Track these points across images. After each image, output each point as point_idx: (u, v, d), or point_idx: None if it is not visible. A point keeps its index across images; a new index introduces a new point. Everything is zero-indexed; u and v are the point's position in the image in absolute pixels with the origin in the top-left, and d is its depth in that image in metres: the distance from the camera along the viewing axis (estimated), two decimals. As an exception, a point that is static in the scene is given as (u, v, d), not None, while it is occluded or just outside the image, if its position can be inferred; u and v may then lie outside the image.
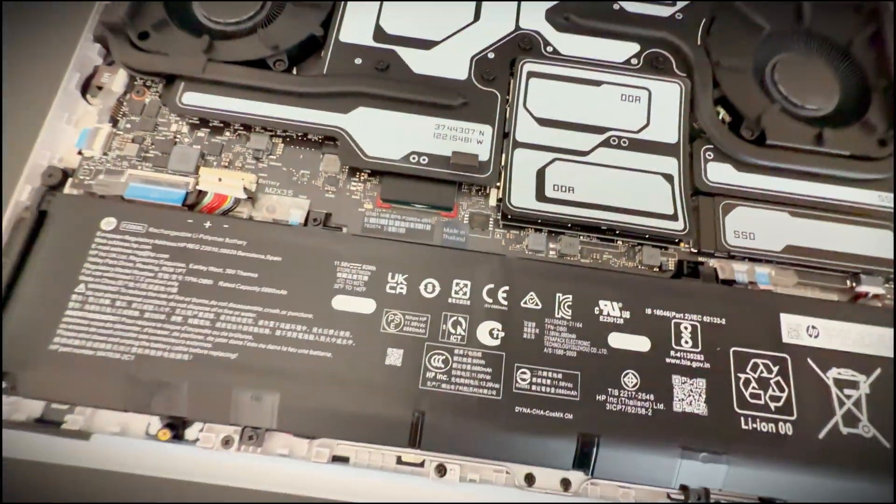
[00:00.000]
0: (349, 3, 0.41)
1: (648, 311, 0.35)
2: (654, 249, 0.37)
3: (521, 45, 0.41)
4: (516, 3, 0.43)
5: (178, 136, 0.38)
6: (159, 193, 0.36)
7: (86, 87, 0.40)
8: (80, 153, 0.38)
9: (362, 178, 0.38)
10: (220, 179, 0.35)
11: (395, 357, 0.33)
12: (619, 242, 0.38)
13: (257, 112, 0.37)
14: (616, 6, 0.43)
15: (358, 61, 0.40)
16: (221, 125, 0.39)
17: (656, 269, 0.37)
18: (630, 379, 0.33)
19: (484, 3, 0.42)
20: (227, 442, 0.32)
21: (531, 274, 0.35)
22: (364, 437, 0.32)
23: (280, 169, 0.38)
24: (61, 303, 0.32)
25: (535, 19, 0.42)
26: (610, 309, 0.35)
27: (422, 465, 0.33)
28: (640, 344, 0.34)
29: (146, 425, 0.32)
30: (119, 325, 0.32)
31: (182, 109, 0.37)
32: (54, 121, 0.38)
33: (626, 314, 0.35)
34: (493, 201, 0.38)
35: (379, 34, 0.41)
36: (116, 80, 0.39)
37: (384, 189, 0.37)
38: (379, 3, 0.42)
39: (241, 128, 0.39)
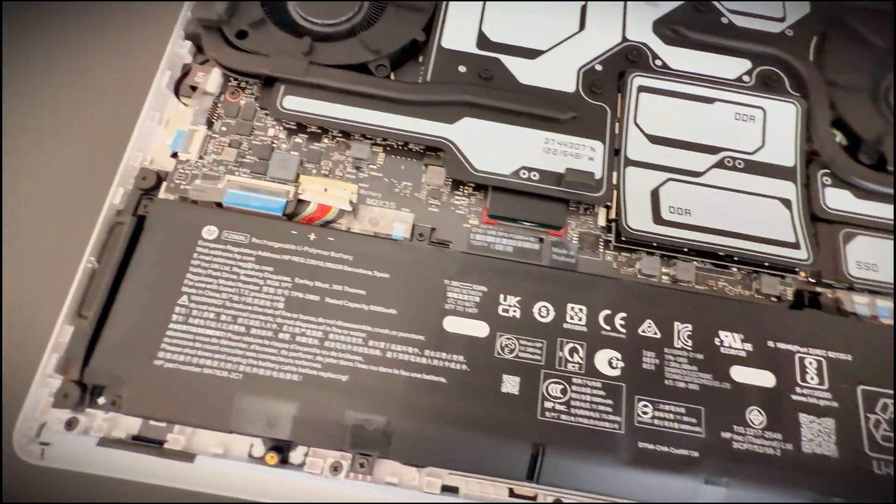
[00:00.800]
0: (450, 7, 0.40)
1: (771, 343, 0.34)
2: (772, 278, 0.36)
3: (629, 58, 0.40)
4: (622, 13, 0.42)
5: (276, 141, 0.38)
6: (259, 202, 0.35)
7: (177, 87, 0.39)
8: (174, 156, 0.36)
9: (466, 191, 0.37)
10: (325, 189, 0.34)
11: (511, 385, 0.32)
12: (735, 269, 0.36)
13: (359, 119, 0.36)
14: (724, 20, 0.42)
15: (462, 69, 0.38)
16: (319, 131, 0.37)
17: (774, 299, 0.36)
18: (756, 416, 0.32)
19: (589, 12, 0.41)
20: (335, 468, 0.31)
21: (648, 300, 0.34)
22: (480, 469, 0.31)
23: (381, 179, 0.36)
24: (165, 315, 0.31)
25: (642, 31, 0.41)
26: (731, 340, 0.34)
27: (535, 498, 0.32)
28: (765, 379, 0.33)
29: (248, 447, 0.31)
30: (225, 341, 0.31)
31: (283, 114, 0.36)
32: (146, 121, 0.37)
33: (748, 346, 0.34)
34: (601, 221, 0.37)
35: (482, 41, 0.39)
36: (211, 81, 0.37)
37: (492, 205, 0.36)
38: (481, 8, 0.41)
39: (340, 134, 0.37)
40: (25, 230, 0.41)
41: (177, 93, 0.38)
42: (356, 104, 0.36)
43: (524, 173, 0.36)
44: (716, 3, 0.42)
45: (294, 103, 0.36)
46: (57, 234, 0.39)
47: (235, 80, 0.38)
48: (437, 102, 0.36)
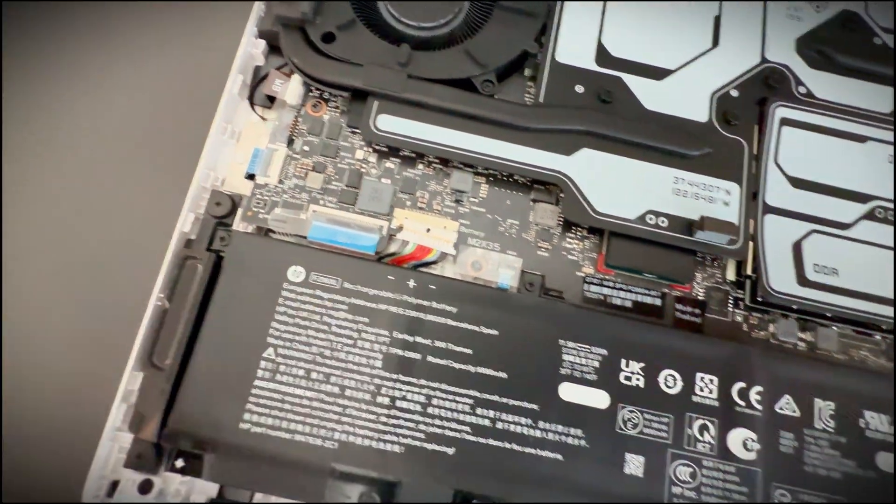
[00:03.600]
0: (566, 14, 0.36)
1: (922, 428, 0.32)
2: (922, 350, 0.34)
3: (769, 83, 0.36)
4: (761, 26, 0.38)
5: (364, 165, 0.34)
6: (348, 237, 0.32)
7: (251, 94, 0.35)
8: (250, 177, 0.33)
9: (580, 233, 0.34)
10: (428, 230, 0.31)
11: (635, 465, 0.30)
12: (879, 337, 0.34)
13: (463, 145, 0.32)
14: (878, 40, 0.38)
15: (579, 89, 0.34)
16: (413, 156, 0.34)
17: (921, 374, 0.34)
18: (904, 511, 0.30)
19: (723, 24, 0.37)
20: (436, 548, 0.29)
21: (785, 372, 0.31)
22: (598, 558, 0.29)
23: (484, 216, 0.33)
24: (249, 371, 0.28)
25: (783, 50, 0.36)
26: (878, 423, 0.31)
27: (651, 588, 0.30)
28: (914, 468, 0.31)
29: (340, 519, 0.30)
30: (318, 404, 0.28)
31: (377, 136, 0.32)
32: (217, 134, 0.33)
33: (896, 430, 0.32)
34: (730, 274, 0.34)
35: (602, 57, 0.35)
36: (290, 90, 0.34)
37: (612, 253, 0.33)
38: (601, 16, 0.36)
39: (437, 160, 0.34)
40: (80, 252, 0.37)
41: (251, 101, 0.35)
42: (459, 127, 0.33)
43: (651, 218, 0.33)
44: (867, 16, 0.39)
45: (388, 123, 0.33)
46: (118, 262, 0.36)
47: (318, 90, 0.35)
48: (554, 130, 0.33)
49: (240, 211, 0.32)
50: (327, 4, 0.34)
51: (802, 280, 0.32)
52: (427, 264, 0.32)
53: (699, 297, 0.33)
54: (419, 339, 0.30)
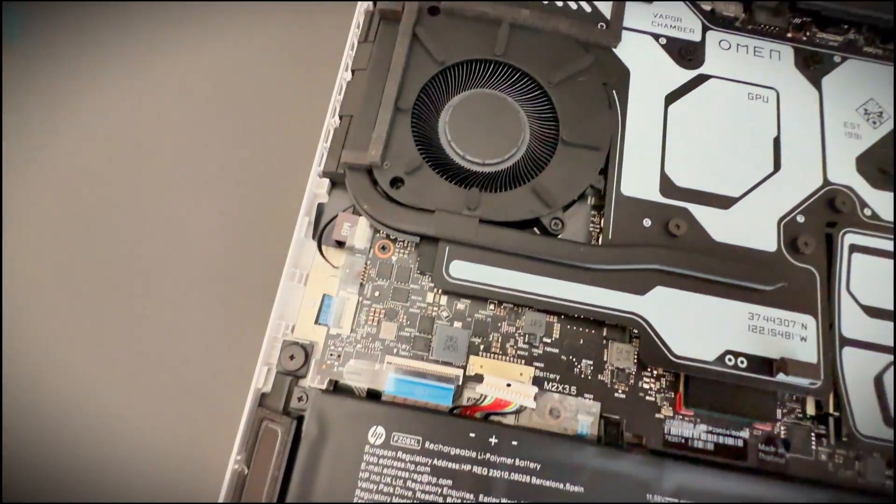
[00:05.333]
0: (627, 145, 0.35)
1: None
2: None
3: (834, 206, 0.36)
4: (820, 147, 0.38)
5: (435, 308, 0.34)
6: (426, 391, 0.32)
7: (319, 236, 0.35)
8: (322, 324, 0.33)
9: (656, 372, 0.34)
10: (508, 385, 0.31)
11: None
12: None
13: (535, 288, 0.32)
14: (937, 155, 0.38)
15: (647, 223, 0.35)
16: (484, 297, 0.34)
17: None
18: None
19: (783, 146, 0.37)
20: None
21: (878, 518, 0.31)
22: None
23: (558, 357, 0.33)
24: (336, 546, 0.29)
25: (844, 170, 0.36)
26: (978, 570, 0.31)
27: None
28: None
29: None
30: (407, 579, 0.29)
31: (450, 283, 0.32)
32: (287, 280, 0.33)
33: None
34: (810, 409, 0.34)
35: (667, 187, 0.35)
36: (358, 234, 0.34)
37: (691, 395, 0.32)
38: (661, 148, 0.36)
39: (508, 302, 0.34)
40: (150, 400, 0.36)
41: (319, 247, 0.34)
42: (531, 270, 0.32)
43: (730, 360, 0.32)
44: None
45: (460, 269, 0.32)
46: (187, 412, 0.36)
47: (384, 232, 0.35)
48: (628, 270, 0.33)
49: (313, 363, 0.32)
50: (393, 149, 0.34)
51: (889, 421, 0.32)
52: (503, 414, 0.32)
53: (782, 436, 0.33)
54: (505, 501, 0.30)
